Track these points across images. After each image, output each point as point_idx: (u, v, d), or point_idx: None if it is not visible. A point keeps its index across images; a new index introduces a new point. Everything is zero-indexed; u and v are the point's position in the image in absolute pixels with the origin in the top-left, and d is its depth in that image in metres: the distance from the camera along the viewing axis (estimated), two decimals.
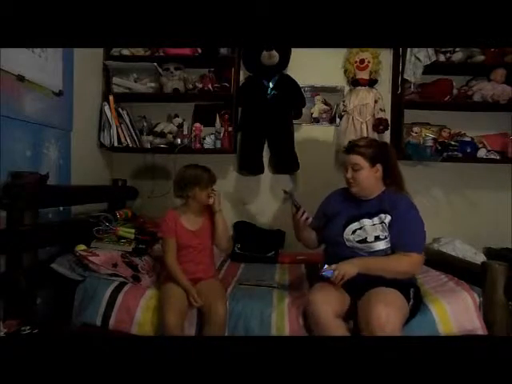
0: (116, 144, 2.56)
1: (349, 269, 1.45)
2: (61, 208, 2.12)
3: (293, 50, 2.58)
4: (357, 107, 2.58)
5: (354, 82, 2.65)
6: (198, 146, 2.61)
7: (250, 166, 2.68)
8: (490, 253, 2.53)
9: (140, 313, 1.67)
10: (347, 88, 2.75)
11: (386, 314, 1.33)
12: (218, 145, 2.60)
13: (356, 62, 2.61)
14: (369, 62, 2.60)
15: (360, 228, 1.58)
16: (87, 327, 1.68)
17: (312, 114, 2.78)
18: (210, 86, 2.62)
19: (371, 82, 2.63)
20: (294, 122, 2.68)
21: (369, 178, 1.59)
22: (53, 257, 1.82)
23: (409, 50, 2.48)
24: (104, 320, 1.67)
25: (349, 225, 1.61)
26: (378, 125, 2.52)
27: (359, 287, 1.48)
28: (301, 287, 1.91)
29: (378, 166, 1.60)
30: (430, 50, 2.46)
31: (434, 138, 2.55)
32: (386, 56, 2.68)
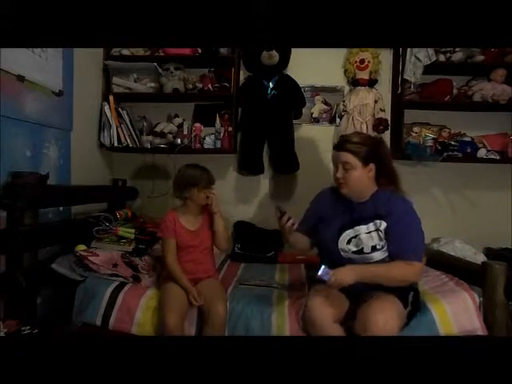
0: (116, 144, 2.56)
1: (346, 276, 1.37)
2: (61, 208, 2.12)
3: (293, 50, 2.57)
4: (357, 107, 2.58)
5: (354, 82, 2.65)
6: (198, 146, 2.61)
7: (250, 166, 2.68)
8: (489, 253, 2.52)
9: (140, 313, 1.67)
10: (347, 88, 2.75)
11: (384, 323, 1.31)
12: (218, 145, 2.60)
13: (356, 61, 2.61)
14: (369, 61, 2.60)
15: (355, 236, 1.50)
16: (87, 327, 1.68)
17: (312, 114, 2.78)
18: (210, 86, 2.62)
19: (371, 82, 2.63)
20: (294, 122, 2.68)
21: (361, 179, 1.48)
22: (53, 257, 1.83)
23: (409, 50, 2.48)
24: (104, 320, 1.67)
25: (343, 232, 1.52)
26: (378, 125, 2.53)
27: (358, 290, 1.45)
28: (301, 287, 1.91)
29: (371, 166, 1.48)
30: (430, 50, 2.46)
31: (433, 138, 2.55)
32: (386, 56, 2.68)
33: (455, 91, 2.56)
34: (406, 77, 2.50)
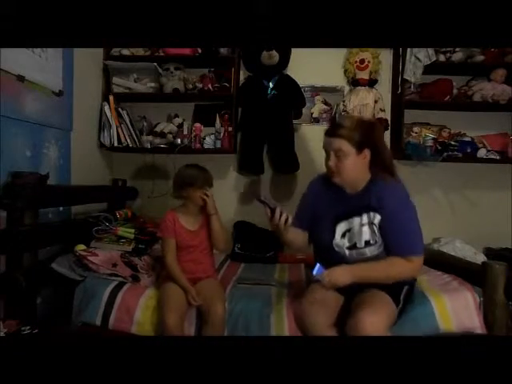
0: (116, 144, 2.56)
1: (340, 277, 1.34)
2: (61, 208, 2.12)
3: (293, 50, 2.57)
4: (357, 107, 2.58)
5: (354, 82, 2.64)
6: (198, 146, 2.61)
7: (249, 166, 2.68)
8: (489, 253, 2.52)
9: (139, 312, 1.67)
10: (347, 88, 2.75)
11: (371, 328, 1.25)
12: (218, 145, 2.60)
13: (356, 61, 2.61)
14: (369, 62, 2.60)
15: (349, 230, 1.43)
16: (87, 327, 1.68)
17: (312, 114, 2.78)
18: (210, 86, 2.62)
19: (371, 82, 2.63)
20: (294, 122, 2.68)
21: (355, 167, 1.37)
22: (53, 257, 1.83)
23: (409, 50, 2.48)
24: (104, 320, 1.67)
25: (337, 224, 1.45)
26: None
27: (352, 287, 1.39)
28: (300, 287, 1.90)
29: (366, 152, 1.37)
30: (430, 50, 2.46)
31: (433, 138, 2.55)
32: (386, 56, 2.69)
33: (455, 91, 2.56)
34: (406, 77, 2.50)
